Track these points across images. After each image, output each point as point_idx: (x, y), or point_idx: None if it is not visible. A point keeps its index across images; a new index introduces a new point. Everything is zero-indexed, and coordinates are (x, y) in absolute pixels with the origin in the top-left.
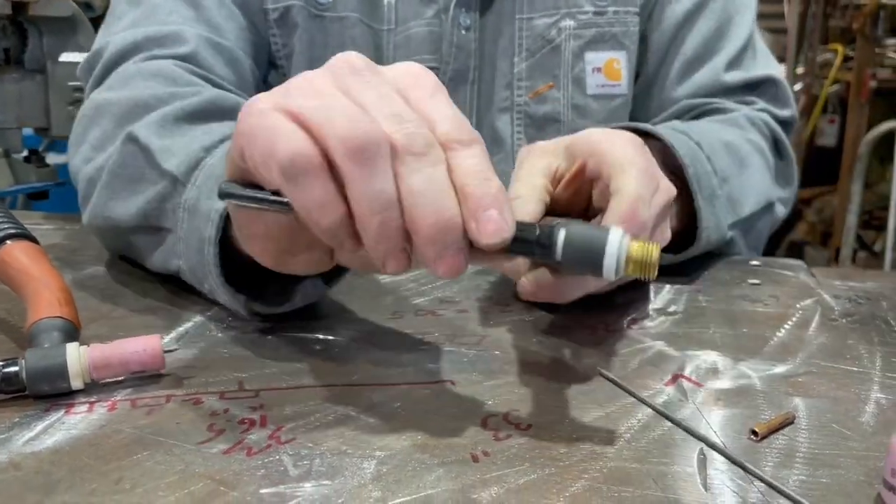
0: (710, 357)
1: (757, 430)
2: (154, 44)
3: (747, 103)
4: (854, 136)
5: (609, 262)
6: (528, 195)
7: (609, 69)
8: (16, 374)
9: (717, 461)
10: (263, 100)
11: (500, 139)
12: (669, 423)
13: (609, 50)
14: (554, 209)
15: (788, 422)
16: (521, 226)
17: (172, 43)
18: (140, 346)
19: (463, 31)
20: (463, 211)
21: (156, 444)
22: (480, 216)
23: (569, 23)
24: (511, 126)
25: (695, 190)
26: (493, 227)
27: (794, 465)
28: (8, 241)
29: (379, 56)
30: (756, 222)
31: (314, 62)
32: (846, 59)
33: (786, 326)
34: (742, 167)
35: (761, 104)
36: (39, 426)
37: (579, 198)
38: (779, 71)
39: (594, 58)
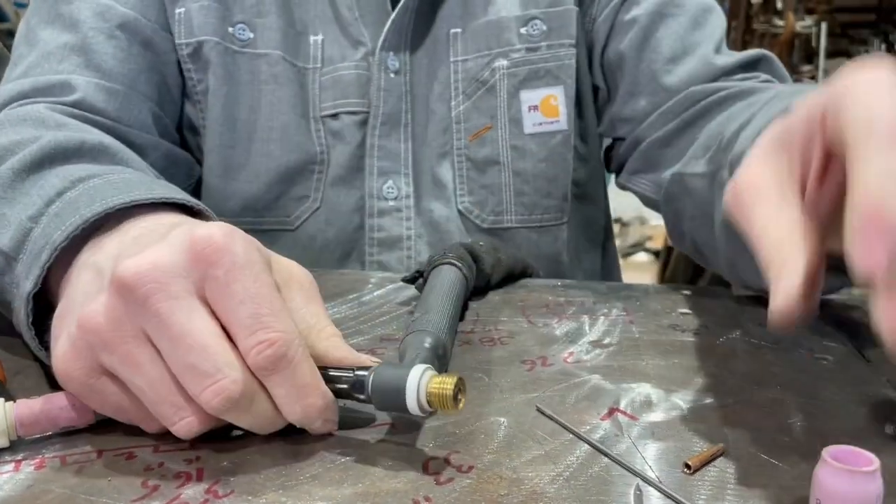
0: (644, 389)
1: (690, 463)
2: (40, 93)
3: (751, 79)
4: None
5: (411, 402)
6: (789, 253)
7: (546, 106)
8: None
9: (652, 496)
10: (76, 365)
11: (441, 183)
12: (607, 459)
13: (545, 87)
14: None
15: (719, 453)
16: (336, 378)
17: (60, 92)
18: (69, 401)
19: (392, 75)
20: None
21: None
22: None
23: (502, 62)
24: (452, 170)
25: None
26: (321, 432)
27: (725, 497)
28: None
29: (304, 95)
30: None
31: (230, 100)
32: None
33: (715, 356)
34: None
35: (764, 76)
36: None
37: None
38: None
39: (529, 96)
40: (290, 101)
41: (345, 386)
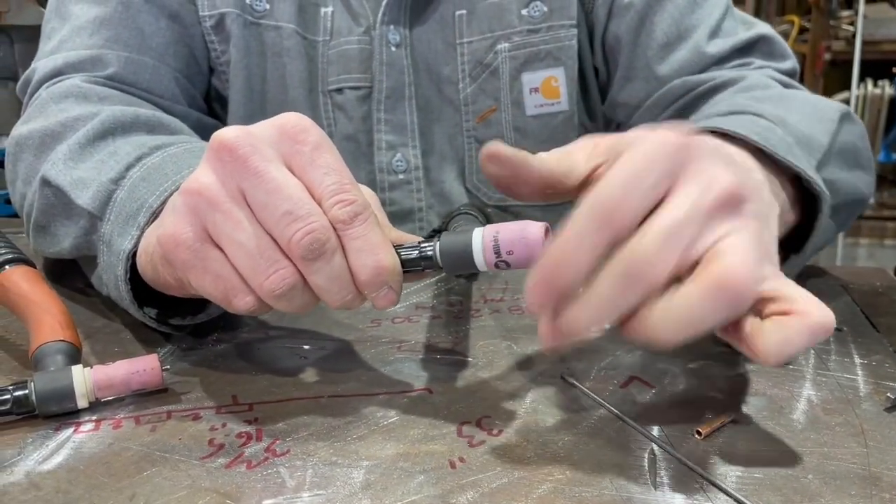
0: (661, 359)
1: (701, 430)
2: (73, 69)
3: (744, 66)
4: None
5: (478, 257)
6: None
7: (546, 88)
8: (26, 396)
9: (665, 460)
10: (186, 228)
11: (452, 160)
12: (625, 425)
13: (545, 68)
14: None
15: (728, 421)
16: (404, 251)
17: (92, 67)
18: (140, 367)
19: (393, 48)
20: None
21: (162, 461)
22: (373, 295)
23: (504, 45)
24: (462, 150)
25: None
26: (385, 302)
27: (732, 462)
28: (7, 266)
29: (313, 69)
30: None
31: (250, 72)
32: (802, 30)
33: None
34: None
35: (758, 62)
36: (52, 444)
37: None
38: (767, 28)
39: (530, 78)
40: (300, 76)
41: (413, 254)
